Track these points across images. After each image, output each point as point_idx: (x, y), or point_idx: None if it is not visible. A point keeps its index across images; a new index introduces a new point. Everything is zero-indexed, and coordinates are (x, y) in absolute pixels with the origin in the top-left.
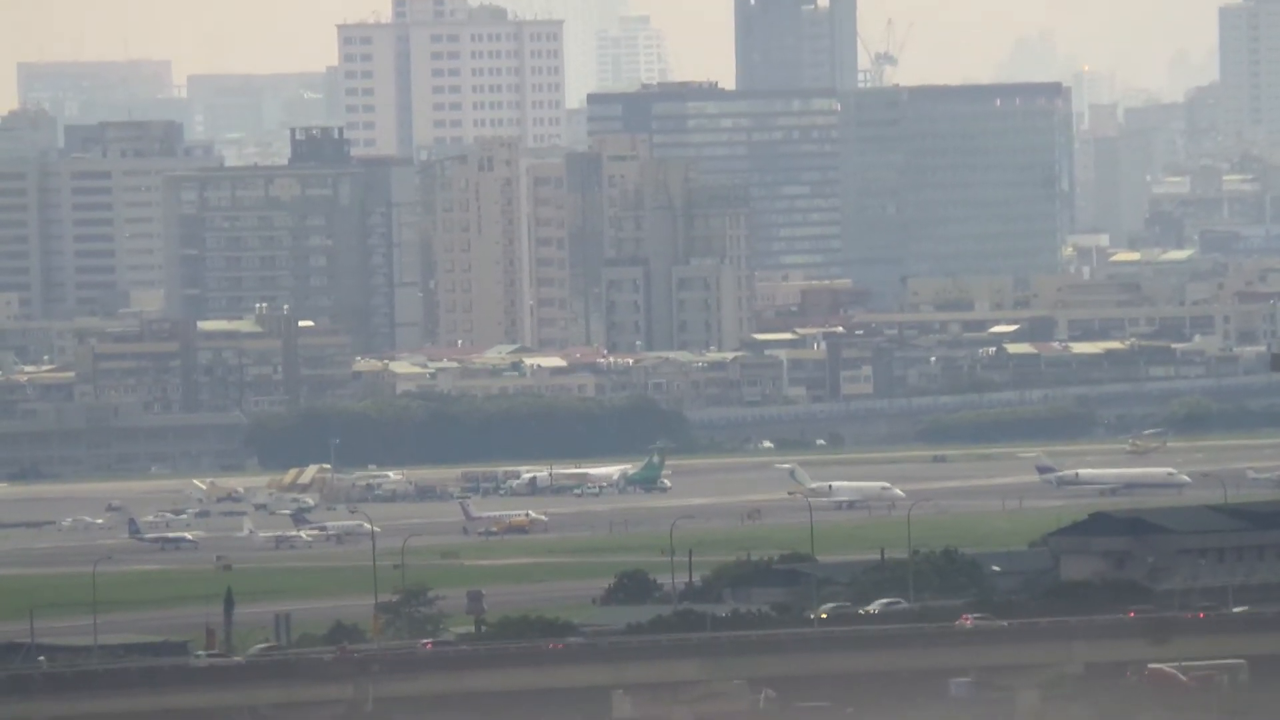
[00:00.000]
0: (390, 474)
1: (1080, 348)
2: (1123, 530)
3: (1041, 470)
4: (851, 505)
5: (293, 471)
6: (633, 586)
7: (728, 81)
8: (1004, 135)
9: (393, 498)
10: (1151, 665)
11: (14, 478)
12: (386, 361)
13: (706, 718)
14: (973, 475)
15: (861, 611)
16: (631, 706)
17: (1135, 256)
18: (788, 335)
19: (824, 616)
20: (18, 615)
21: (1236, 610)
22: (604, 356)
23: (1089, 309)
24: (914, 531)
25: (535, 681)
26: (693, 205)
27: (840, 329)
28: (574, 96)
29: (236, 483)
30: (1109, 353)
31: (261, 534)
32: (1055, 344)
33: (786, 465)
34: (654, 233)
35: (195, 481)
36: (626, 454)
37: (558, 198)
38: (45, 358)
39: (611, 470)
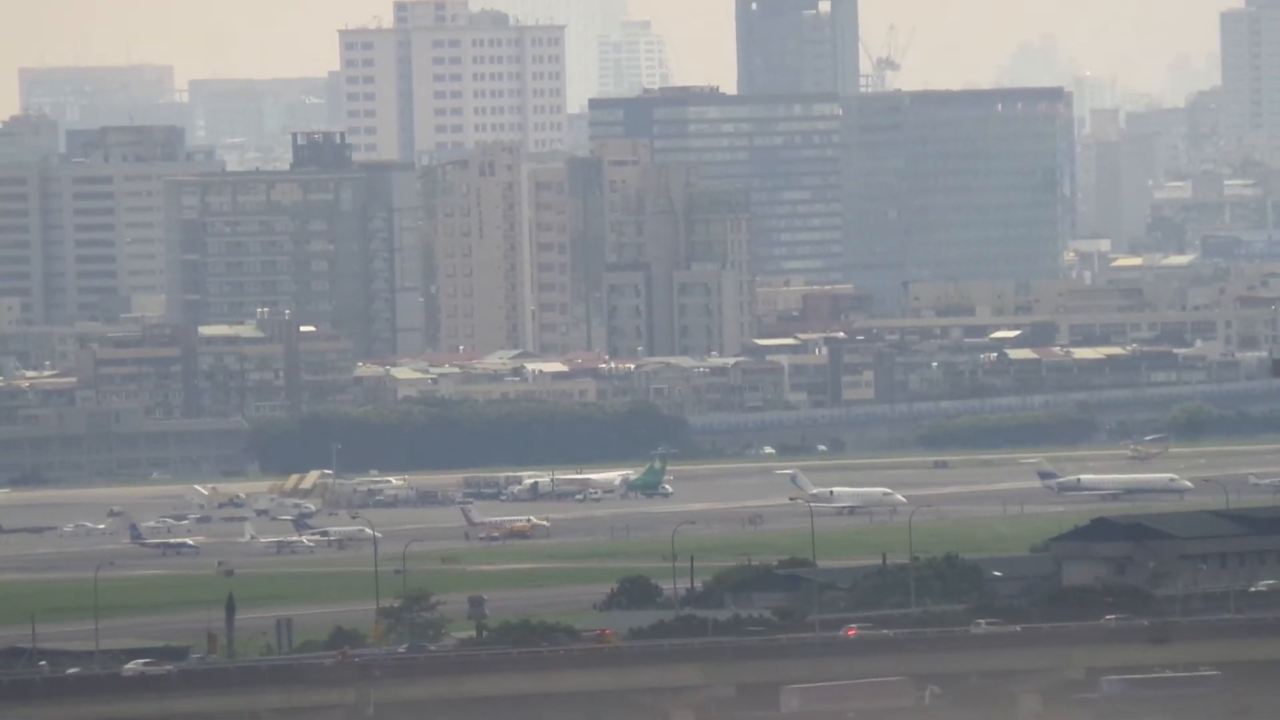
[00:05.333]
0: (392, 479)
1: (1081, 353)
2: (1124, 536)
3: (1043, 476)
4: (852, 511)
5: (294, 477)
6: (634, 592)
7: (729, 86)
8: (1005, 140)
9: (394, 503)
10: None
11: (15, 483)
12: (388, 367)
13: (872, 714)
14: (974, 481)
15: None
16: (800, 702)
17: (1137, 262)
18: (789, 340)
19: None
20: (19, 620)
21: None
22: (605, 362)
23: (1090, 314)
24: (915, 537)
25: (536, 686)
26: (694, 210)
27: (841, 334)
28: (575, 101)
29: (238, 488)
30: (1110, 358)
31: (263, 539)
32: (1056, 349)
33: (788, 471)
34: (655, 237)
35: (197, 487)
36: (628, 459)
37: (559, 203)
38: (47, 363)
39: (613, 475)
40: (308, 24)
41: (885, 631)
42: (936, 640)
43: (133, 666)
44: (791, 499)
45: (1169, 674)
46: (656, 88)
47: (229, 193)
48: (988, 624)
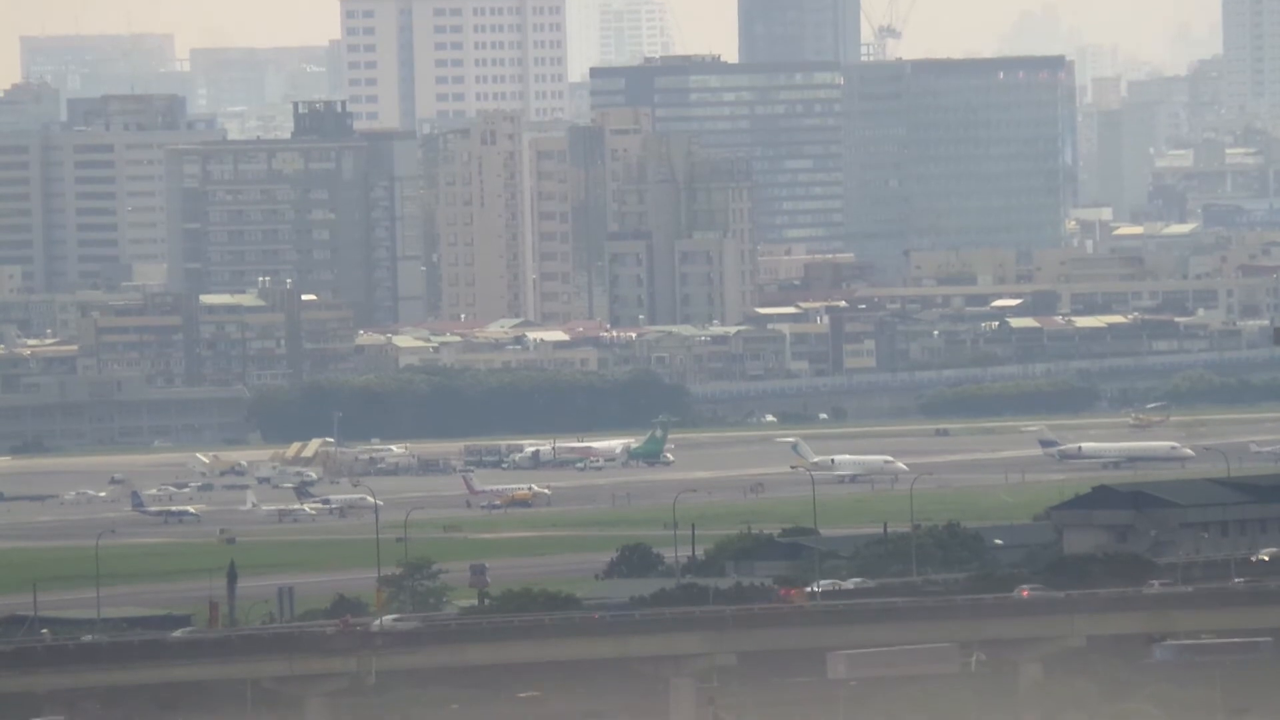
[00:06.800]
0: (393, 448)
1: (1083, 321)
2: (1125, 504)
3: (1044, 444)
4: (854, 479)
5: (295, 445)
6: (635, 560)
7: (730, 55)
8: (1007, 109)
9: (395, 471)
10: None
11: (17, 451)
12: (389, 335)
13: (919, 679)
14: (975, 449)
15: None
16: (846, 667)
17: (1138, 230)
18: (790, 309)
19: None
20: (21, 588)
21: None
22: (607, 330)
23: (1092, 283)
24: (916, 505)
25: (537, 655)
26: (695, 179)
27: (843, 303)
28: (576, 70)
29: (239, 456)
30: (1111, 326)
31: (264, 507)
32: (1058, 318)
33: (789, 439)
34: (656, 206)
35: (198, 455)
36: (629, 428)
37: (560, 171)
38: (48, 331)
39: (614, 444)
40: None
41: (1057, 594)
42: (935, 609)
43: (380, 623)
44: (793, 467)
45: (1221, 640)
46: (658, 56)
47: (230, 161)
48: (1160, 585)
